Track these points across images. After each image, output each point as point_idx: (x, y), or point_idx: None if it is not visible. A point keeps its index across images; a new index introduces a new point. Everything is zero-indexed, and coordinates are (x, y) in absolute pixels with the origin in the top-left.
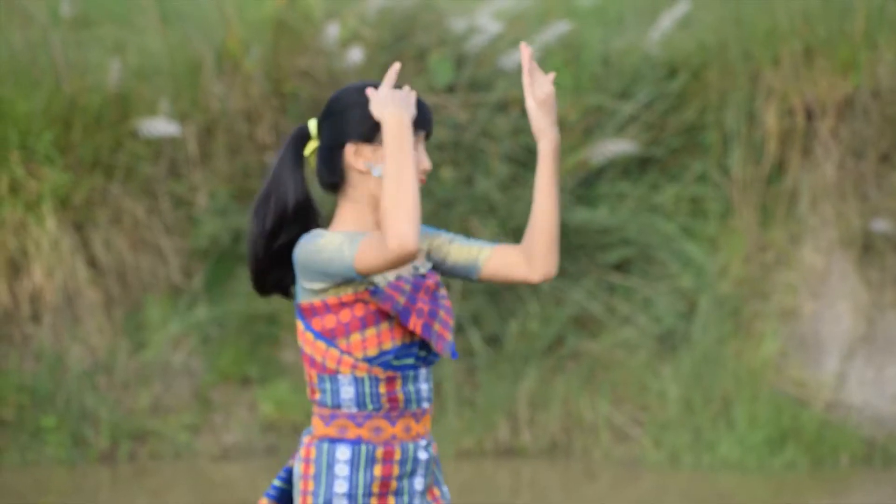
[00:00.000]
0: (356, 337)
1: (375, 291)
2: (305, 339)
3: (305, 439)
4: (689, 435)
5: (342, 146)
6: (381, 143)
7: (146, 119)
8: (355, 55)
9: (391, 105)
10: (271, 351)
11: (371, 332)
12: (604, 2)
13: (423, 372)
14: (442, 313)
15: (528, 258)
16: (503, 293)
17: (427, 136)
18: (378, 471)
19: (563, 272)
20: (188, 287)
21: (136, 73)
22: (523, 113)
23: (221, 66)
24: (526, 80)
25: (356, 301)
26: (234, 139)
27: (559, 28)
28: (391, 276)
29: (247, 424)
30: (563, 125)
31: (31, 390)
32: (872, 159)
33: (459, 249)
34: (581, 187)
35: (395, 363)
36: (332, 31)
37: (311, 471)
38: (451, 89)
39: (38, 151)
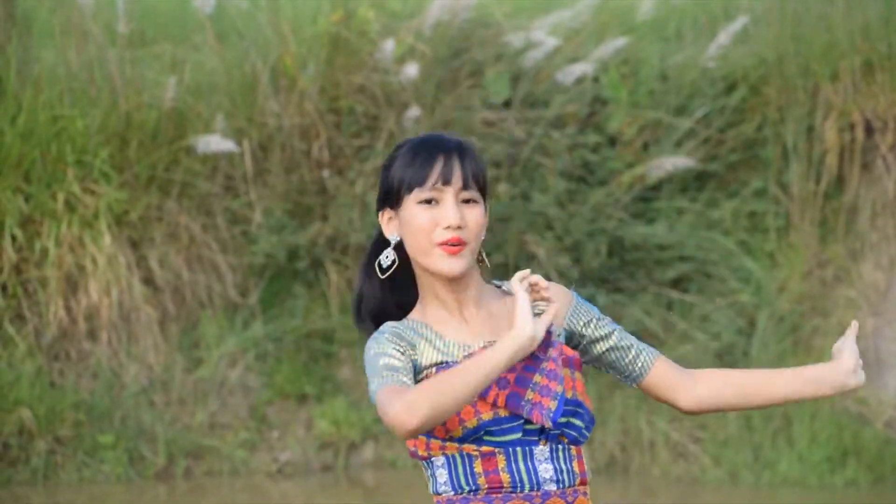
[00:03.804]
0: None
1: (446, 365)
2: None
3: None
4: (749, 452)
5: (378, 215)
6: (397, 207)
7: (202, 136)
8: (411, 71)
9: (521, 326)
10: (328, 368)
11: None
12: (662, 17)
13: (542, 449)
14: (539, 378)
15: (689, 389)
16: None
17: (465, 186)
18: None
19: (620, 288)
20: (244, 304)
21: (192, 90)
22: (580, 128)
23: (277, 82)
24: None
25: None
26: (290, 156)
27: (616, 43)
28: (469, 345)
29: (303, 442)
30: (620, 140)
31: (87, 407)
32: None
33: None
34: (638, 203)
35: (490, 439)
36: (388, 47)
37: None
38: (507, 105)
39: (95, 168)
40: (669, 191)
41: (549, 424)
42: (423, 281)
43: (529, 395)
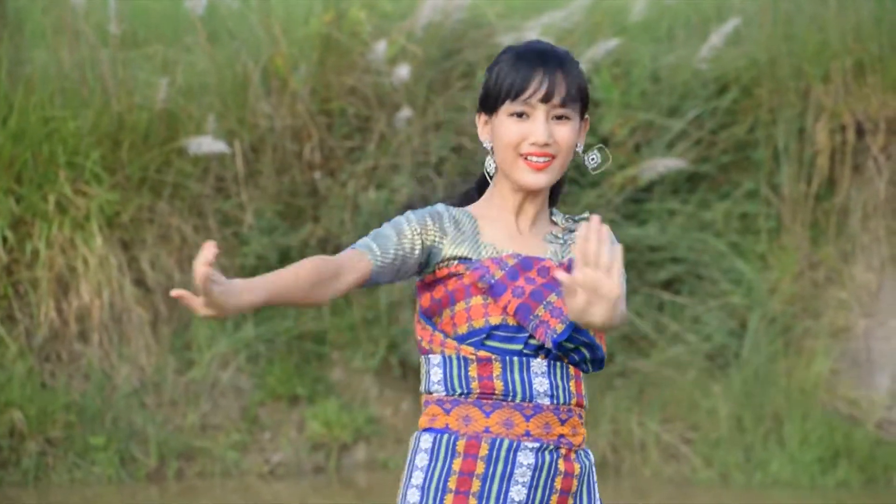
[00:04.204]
0: (447, 313)
1: (469, 261)
2: (416, 322)
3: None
4: (740, 453)
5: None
6: (491, 114)
7: (194, 137)
8: (403, 72)
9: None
10: (320, 369)
11: (460, 307)
12: (654, 18)
13: (539, 363)
14: (554, 298)
15: None
16: None
17: (559, 102)
18: (458, 465)
19: None
20: None
21: (184, 91)
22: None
23: (268, 84)
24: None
25: (449, 276)
26: (281, 157)
27: (609, 44)
28: (500, 249)
29: (295, 443)
30: (612, 142)
31: (79, 409)
32: None
33: None
34: (630, 204)
35: (491, 344)
36: (380, 48)
37: (406, 462)
38: None
39: (86, 170)
40: (661, 192)
41: (549, 345)
42: (500, 184)
43: (540, 311)
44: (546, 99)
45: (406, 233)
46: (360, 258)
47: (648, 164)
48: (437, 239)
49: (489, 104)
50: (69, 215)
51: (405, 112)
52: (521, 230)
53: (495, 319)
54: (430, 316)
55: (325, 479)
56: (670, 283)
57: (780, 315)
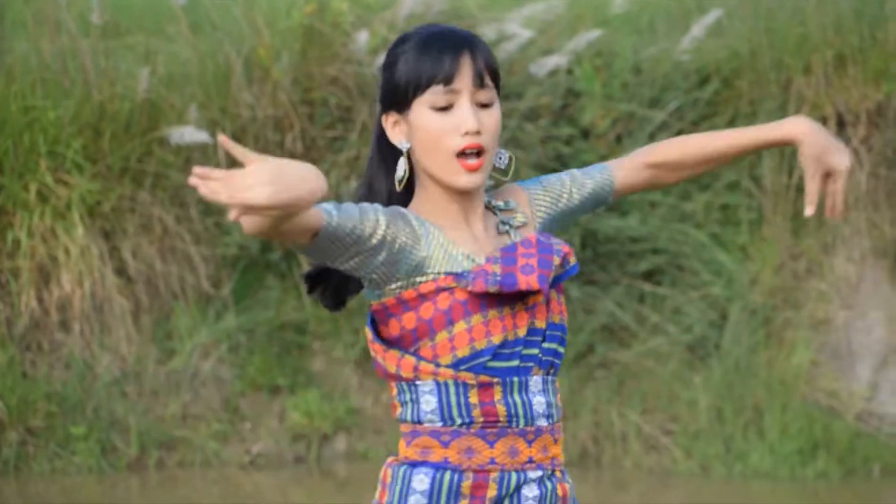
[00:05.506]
0: (442, 336)
1: (460, 275)
2: (375, 349)
3: (389, 459)
4: (720, 445)
5: (381, 118)
6: (404, 111)
7: (175, 127)
8: None
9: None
10: (301, 359)
11: (460, 327)
12: (635, 9)
13: (536, 380)
14: (557, 260)
15: (645, 157)
16: None
17: (480, 84)
18: None
19: (592, 281)
20: (217, 295)
21: (166, 81)
22: (553, 121)
23: (251, 74)
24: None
25: (438, 291)
26: (263, 147)
27: (590, 35)
28: (477, 259)
29: (276, 433)
30: (593, 133)
31: (59, 398)
32: None
33: (583, 181)
34: None
35: (494, 365)
36: (362, 38)
37: (385, 498)
38: None
39: (68, 159)
40: None
41: (536, 286)
42: (429, 189)
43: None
44: (466, 83)
45: (370, 215)
46: (317, 211)
47: None
48: (408, 242)
49: (398, 99)
50: (50, 205)
51: None
52: (478, 235)
53: (498, 338)
54: (406, 344)
55: (306, 469)
56: (651, 274)
57: (761, 307)
